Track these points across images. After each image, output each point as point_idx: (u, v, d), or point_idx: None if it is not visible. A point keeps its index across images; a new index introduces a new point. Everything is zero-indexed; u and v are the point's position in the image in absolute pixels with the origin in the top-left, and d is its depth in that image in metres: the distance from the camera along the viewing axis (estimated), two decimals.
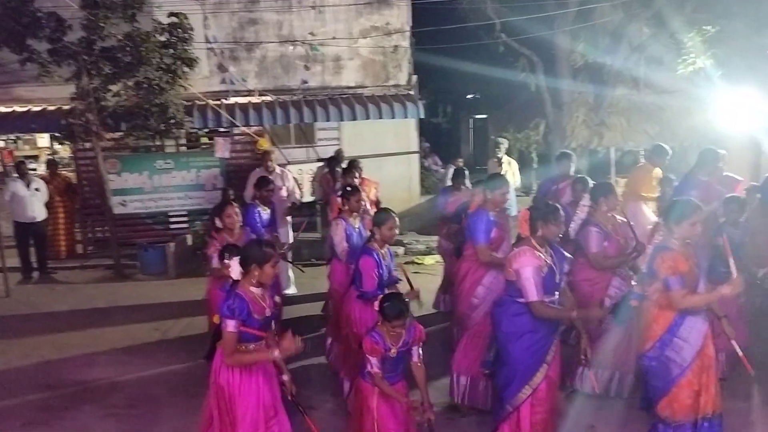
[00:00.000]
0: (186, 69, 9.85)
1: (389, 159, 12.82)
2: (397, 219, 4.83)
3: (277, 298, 4.43)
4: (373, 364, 3.85)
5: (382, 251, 4.80)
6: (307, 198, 11.20)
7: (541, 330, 4.09)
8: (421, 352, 4.04)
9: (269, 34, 12.13)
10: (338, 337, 5.49)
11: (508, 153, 16.72)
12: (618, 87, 14.17)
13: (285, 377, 3.94)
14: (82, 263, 10.65)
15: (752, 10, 10.21)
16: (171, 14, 9.73)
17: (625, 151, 15.75)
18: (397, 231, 4.85)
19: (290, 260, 7.57)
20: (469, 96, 26.22)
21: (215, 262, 5.38)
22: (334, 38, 12.17)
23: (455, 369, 5.09)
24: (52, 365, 6.39)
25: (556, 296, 4.16)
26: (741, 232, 5.48)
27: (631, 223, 5.40)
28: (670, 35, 11.93)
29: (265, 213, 6.96)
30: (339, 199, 6.02)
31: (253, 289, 3.75)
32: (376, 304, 3.90)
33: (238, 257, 3.78)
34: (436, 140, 25.07)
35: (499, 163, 10.29)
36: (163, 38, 9.60)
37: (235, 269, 3.75)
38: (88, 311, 8.23)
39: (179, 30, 9.70)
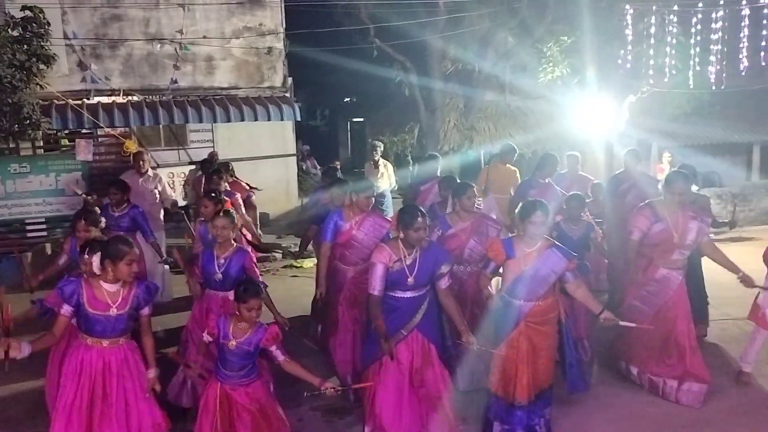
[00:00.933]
0: (42, 66, 9.17)
1: (266, 162, 12.67)
2: (223, 217, 4.98)
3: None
4: (207, 337, 4.00)
5: (218, 253, 5.00)
6: (180, 202, 10.82)
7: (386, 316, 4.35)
8: (282, 350, 4.05)
9: (135, 32, 11.60)
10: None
11: (385, 156, 17.11)
12: (486, 92, 14.87)
13: (151, 373, 3.92)
14: None
15: (602, 24, 11.09)
16: (24, 7, 9.03)
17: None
18: (225, 229, 4.97)
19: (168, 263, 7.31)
20: (346, 99, 26.40)
21: (63, 260, 5.50)
22: (204, 37, 11.85)
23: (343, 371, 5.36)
24: None
25: (417, 293, 4.39)
26: (579, 228, 5.90)
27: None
28: (533, 44, 12.70)
29: (116, 213, 6.73)
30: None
31: (104, 284, 3.73)
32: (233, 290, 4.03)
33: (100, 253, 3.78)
34: (315, 143, 25.04)
35: (376, 165, 10.46)
36: (16, 33, 8.90)
37: (95, 264, 3.77)
38: None
39: (34, 24, 9.02)
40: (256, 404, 3.99)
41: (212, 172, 7.75)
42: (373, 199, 5.62)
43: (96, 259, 3.78)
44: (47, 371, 4.76)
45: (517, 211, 4.53)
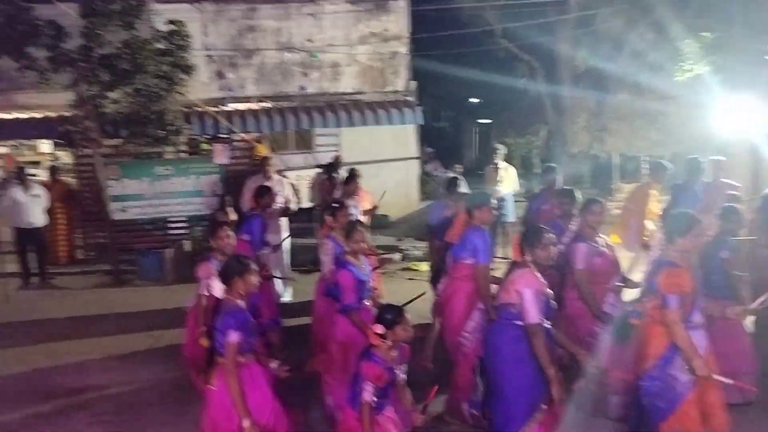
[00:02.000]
0: (183, 76, 9.90)
1: (388, 165, 12.86)
2: (364, 231, 4.88)
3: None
4: (369, 392, 3.59)
5: (358, 263, 4.82)
6: (305, 204, 11.24)
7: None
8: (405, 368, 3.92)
9: (267, 41, 12.20)
10: (322, 349, 5.42)
11: (510, 158, 16.78)
12: (619, 93, 14.16)
13: (273, 365, 4.00)
14: (82, 269, 10.72)
15: (751, 17, 10.18)
16: (169, 22, 9.79)
17: (628, 157, 15.71)
18: (364, 243, 4.87)
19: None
20: (472, 101, 26.22)
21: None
22: (331, 45, 12.23)
23: (457, 396, 4.91)
24: (46, 371, 6.41)
25: (549, 324, 4.06)
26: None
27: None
28: (671, 41, 11.91)
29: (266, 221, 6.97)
30: (327, 218, 5.95)
31: (239, 302, 3.86)
32: (375, 321, 3.76)
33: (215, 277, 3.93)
34: (441, 145, 25.07)
35: (496, 169, 10.26)
36: (161, 46, 9.66)
37: (217, 288, 3.84)
38: (84, 317, 8.27)
39: (177, 37, 9.77)
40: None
41: (349, 176, 7.96)
42: (496, 211, 5.36)
43: (216, 284, 3.87)
44: None
45: (671, 224, 4.06)
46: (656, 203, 7.88)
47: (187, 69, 9.89)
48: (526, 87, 15.10)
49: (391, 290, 8.57)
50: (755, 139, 10.43)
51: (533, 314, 3.89)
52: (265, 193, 7.07)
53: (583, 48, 13.76)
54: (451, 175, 8.89)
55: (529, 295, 3.91)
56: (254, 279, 3.87)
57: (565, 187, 6.61)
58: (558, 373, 3.93)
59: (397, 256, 10.90)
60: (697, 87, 10.88)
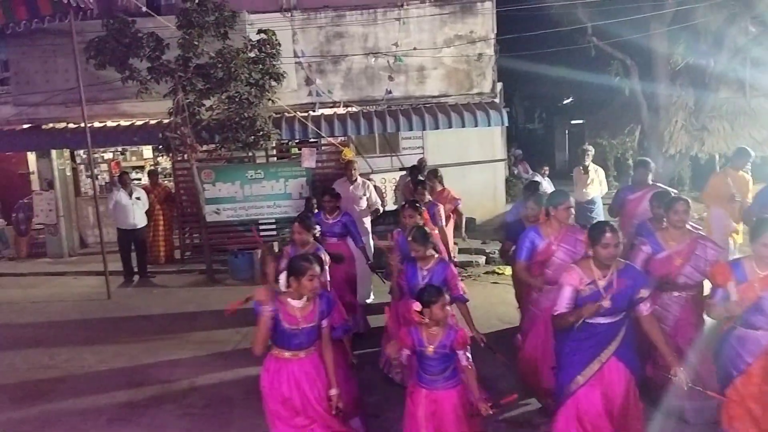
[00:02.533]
0: (274, 83, 10.22)
1: (473, 167, 12.77)
2: (422, 238, 5.02)
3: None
4: (405, 355, 4.04)
5: (421, 264, 5.10)
6: (390, 206, 11.35)
7: (586, 343, 4.06)
8: (469, 355, 4.07)
9: (354, 47, 12.40)
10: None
11: (604, 160, 16.24)
12: (721, 90, 13.41)
13: (333, 392, 4.08)
14: (179, 268, 11.32)
15: None
16: (260, 31, 10.15)
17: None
18: (421, 251, 5.04)
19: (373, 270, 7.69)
20: (564, 101, 25.57)
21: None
22: (415, 48, 12.28)
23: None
24: (140, 364, 6.83)
25: (614, 320, 4.00)
26: None
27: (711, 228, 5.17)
28: None
29: (330, 220, 7.09)
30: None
31: (291, 300, 3.96)
32: (416, 299, 4.04)
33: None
34: (531, 147, 24.67)
35: (585, 171, 9.98)
36: (252, 54, 10.02)
37: (282, 281, 4.03)
38: (180, 314, 8.72)
39: (268, 46, 10.09)
40: (460, 409, 4.02)
41: (418, 182, 7.90)
42: (573, 210, 5.24)
43: (283, 276, 4.03)
44: None
45: (750, 227, 4.05)
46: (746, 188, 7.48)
47: (278, 76, 10.20)
48: (620, 86, 14.50)
49: (475, 294, 8.53)
50: None
51: (559, 306, 4.05)
52: (323, 195, 7.25)
53: (681, 44, 13.10)
54: (533, 178, 8.73)
55: (563, 291, 4.04)
56: (309, 284, 3.93)
57: (662, 190, 6.29)
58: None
59: (481, 259, 10.83)
60: None
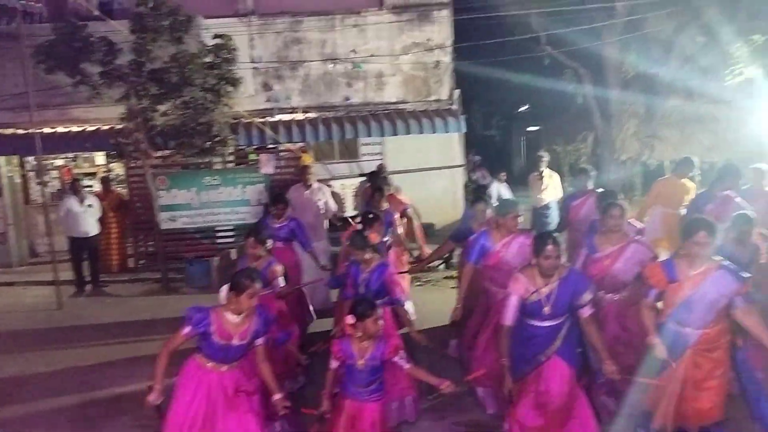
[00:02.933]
0: (230, 88, 10.13)
1: (432, 173, 12.83)
2: (359, 243, 5.11)
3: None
4: (334, 362, 4.07)
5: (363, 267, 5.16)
6: (350, 212, 11.34)
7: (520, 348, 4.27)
8: (406, 357, 4.13)
9: (312, 53, 12.37)
10: None
11: (559, 166, 16.53)
12: (670, 98, 13.81)
13: (277, 396, 4.07)
14: (133, 277, 11.07)
15: None
16: (216, 36, 10.04)
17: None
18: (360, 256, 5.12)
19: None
20: (521, 109, 26.00)
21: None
22: (373, 55, 12.32)
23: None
24: (93, 376, 6.65)
25: (555, 322, 4.24)
26: (749, 251, 5.17)
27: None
28: (721, 45, 11.58)
29: (276, 225, 7.08)
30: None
31: (228, 315, 3.93)
32: (349, 312, 4.04)
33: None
34: (489, 153, 24.94)
35: (541, 176, 10.16)
36: (208, 59, 9.91)
37: (223, 294, 4.03)
38: (134, 324, 8.52)
39: (224, 51, 10.00)
40: (379, 423, 4.07)
41: (374, 191, 7.94)
42: (521, 218, 5.43)
43: (224, 289, 4.03)
44: None
45: (683, 227, 4.25)
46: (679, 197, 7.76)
47: (234, 81, 10.11)
48: (574, 94, 14.83)
49: (434, 299, 8.58)
50: None
51: (505, 316, 4.27)
52: (276, 201, 7.22)
53: (632, 53, 13.46)
54: (491, 184, 8.86)
55: (510, 300, 4.25)
56: (249, 302, 3.93)
57: (606, 190, 6.55)
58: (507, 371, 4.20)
59: (440, 264, 10.87)
60: (749, 90, 10.55)
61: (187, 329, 3.93)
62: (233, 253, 11.10)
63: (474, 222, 6.15)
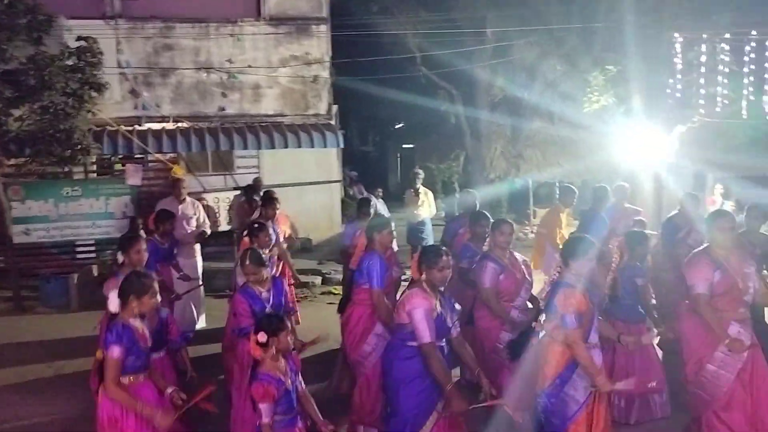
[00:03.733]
0: (94, 94, 9.55)
1: (310, 188, 12.80)
2: (251, 264, 4.73)
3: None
4: (265, 413, 3.51)
5: (259, 288, 4.74)
6: (224, 227, 11.02)
7: (429, 376, 3.95)
8: (301, 379, 3.91)
9: (185, 60, 11.97)
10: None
11: (432, 183, 17.06)
12: (534, 120, 14.68)
13: (170, 389, 3.88)
14: None
15: (650, 52, 10.82)
16: (80, 38, 9.45)
17: (541, 183, 16.23)
18: (256, 275, 4.74)
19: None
20: (397, 126, 26.57)
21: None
22: (250, 66, 12.13)
23: (355, 417, 4.95)
24: None
25: (444, 343, 4.07)
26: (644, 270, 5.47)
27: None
28: (580, 73, 12.52)
29: (162, 246, 6.77)
30: (246, 238, 6.02)
31: (132, 321, 3.73)
32: (253, 332, 3.69)
33: (116, 290, 3.76)
34: (365, 169, 25.21)
35: (417, 193, 10.39)
36: (70, 62, 9.30)
37: (113, 302, 3.73)
38: None
39: (88, 54, 9.42)
40: None
41: (267, 199, 7.77)
42: (394, 233, 5.37)
43: (113, 296, 3.73)
44: None
45: (567, 248, 4.24)
46: (568, 227, 8.18)
47: (99, 87, 9.54)
48: (447, 113, 15.40)
49: (311, 315, 8.50)
50: (657, 167, 11.04)
51: (424, 334, 3.88)
52: (164, 218, 6.84)
53: (500, 77, 14.20)
54: (363, 196, 8.95)
55: (418, 315, 3.89)
56: (152, 301, 3.78)
57: (479, 210, 6.73)
58: (455, 389, 3.92)
59: (317, 280, 10.82)
60: (605, 117, 11.46)
61: (116, 350, 3.60)
62: (95, 270, 10.45)
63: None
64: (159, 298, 3.85)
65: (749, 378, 4.39)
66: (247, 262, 4.75)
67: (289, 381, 3.66)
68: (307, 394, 3.88)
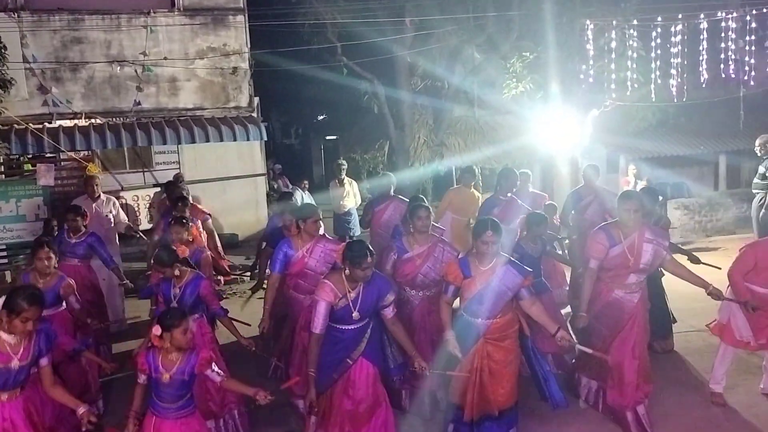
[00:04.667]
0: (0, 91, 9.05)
1: (234, 182, 12.58)
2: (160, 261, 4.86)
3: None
4: (141, 377, 3.79)
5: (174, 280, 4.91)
6: (144, 225, 10.69)
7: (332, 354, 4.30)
8: (219, 371, 3.94)
9: (96, 54, 11.48)
10: None
11: (358, 173, 17.06)
12: (455, 108, 14.90)
13: (81, 409, 3.72)
14: None
15: (564, 39, 11.19)
16: None
17: (463, 168, 16.48)
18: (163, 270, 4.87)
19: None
20: (319, 117, 26.40)
21: None
22: (166, 58, 11.76)
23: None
24: None
25: (360, 324, 4.32)
26: (539, 247, 5.89)
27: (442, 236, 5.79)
28: (500, 60, 12.80)
29: (73, 240, 6.52)
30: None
31: (2, 334, 3.57)
32: (157, 322, 3.80)
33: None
34: (289, 161, 24.95)
35: (341, 183, 10.40)
36: None
37: None
38: None
39: None
40: None
41: (177, 198, 7.65)
42: (321, 223, 5.47)
43: None
44: None
45: (473, 228, 4.57)
46: (475, 204, 8.53)
47: (4, 83, 9.09)
48: (369, 104, 15.38)
49: (240, 310, 8.38)
50: (573, 151, 11.46)
51: (315, 324, 4.22)
52: (72, 213, 6.63)
53: (421, 66, 14.32)
54: (285, 191, 8.95)
55: (319, 307, 4.21)
56: (21, 326, 3.55)
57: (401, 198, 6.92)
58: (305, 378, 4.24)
59: (246, 275, 10.65)
60: (523, 102, 11.78)
61: None
62: (8, 276, 9.92)
63: (285, 228, 6.11)
64: (30, 326, 3.60)
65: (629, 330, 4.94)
66: (153, 261, 4.91)
67: (167, 375, 3.72)
68: (228, 379, 3.97)
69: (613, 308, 4.95)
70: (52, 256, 5.23)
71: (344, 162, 10.77)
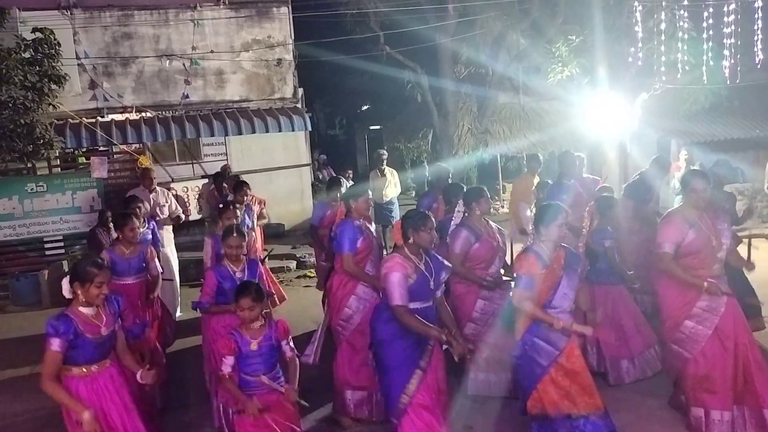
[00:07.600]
0: (54, 86, 9.34)
1: (279, 173, 12.73)
2: (237, 237, 4.88)
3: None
4: (226, 364, 3.79)
5: (234, 267, 4.89)
6: (194, 216, 10.92)
7: (411, 336, 4.04)
8: (292, 344, 4.00)
9: (145, 49, 11.75)
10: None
11: (402, 162, 17.06)
12: (500, 95, 14.76)
13: (139, 373, 3.83)
14: None
15: (612, 22, 10.93)
16: (35, 30, 9.21)
17: (509, 157, 16.35)
18: (240, 249, 4.90)
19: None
20: (363, 108, 26.46)
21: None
22: (213, 51, 11.96)
23: (339, 383, 5.03)
24: None
25: (431, 303, 4.16)
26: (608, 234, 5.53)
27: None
28: (545, 45, 12.60)
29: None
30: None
31: (83, 309, 3.65)
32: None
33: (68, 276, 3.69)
34: (334, 152, 25.12)
35: (382, 173, 10.36)
36: (27, 55, 9.07)
37: (65, 288, 3.66)
38: None
39: (45, 46, 9.20)
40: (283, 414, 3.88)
41: (237, 183, 7.88)
42: (372, 201, 5.45)
43: (65, 282, 3.65)
44: None
45: (539, 215, 4.25)
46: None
47: (58, 79, 9.33)
48: (413, 93, 15.34)
49: (288, 297, 8.52)
50: (621, 136, 11.21)
51: (395, 296, 3.96)
52: (129, 202, 6.78)
53: (464, 54, 14.21)
54: (347, 178, 9.00)
55: (393, 278, 3.97)
56: (96, 291, 3.62)
57: (452, 183, 6.83)
58: (441, 334, 3.99)
59: (292, 264, 10.80)
60: (570, 87, 11.57)
61: (56, 343, 3.50)
62: (65, 265, 10.28)
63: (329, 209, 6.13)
64: (105, 290, 3.66)
65: (731, 327, 4.40)
66: (234, 235, 4.85)
67: (255, 344, 3.80)
68: (294, 360, 3.98)
69: (710, 301, 4.40)
70: (137, 224, 5.53)
71: (385, 152, 10.74)
